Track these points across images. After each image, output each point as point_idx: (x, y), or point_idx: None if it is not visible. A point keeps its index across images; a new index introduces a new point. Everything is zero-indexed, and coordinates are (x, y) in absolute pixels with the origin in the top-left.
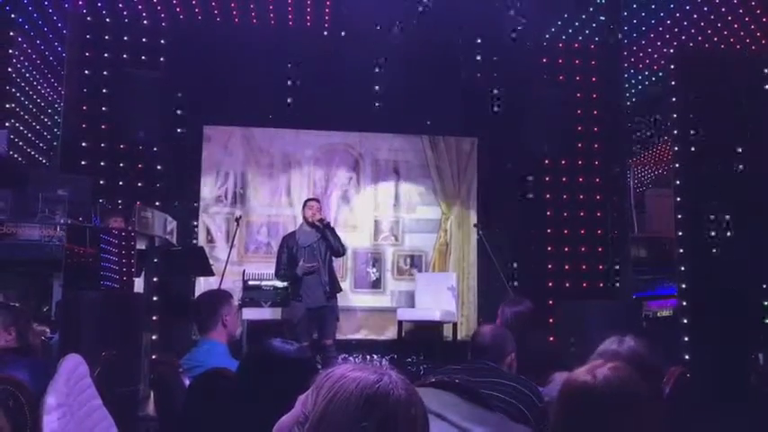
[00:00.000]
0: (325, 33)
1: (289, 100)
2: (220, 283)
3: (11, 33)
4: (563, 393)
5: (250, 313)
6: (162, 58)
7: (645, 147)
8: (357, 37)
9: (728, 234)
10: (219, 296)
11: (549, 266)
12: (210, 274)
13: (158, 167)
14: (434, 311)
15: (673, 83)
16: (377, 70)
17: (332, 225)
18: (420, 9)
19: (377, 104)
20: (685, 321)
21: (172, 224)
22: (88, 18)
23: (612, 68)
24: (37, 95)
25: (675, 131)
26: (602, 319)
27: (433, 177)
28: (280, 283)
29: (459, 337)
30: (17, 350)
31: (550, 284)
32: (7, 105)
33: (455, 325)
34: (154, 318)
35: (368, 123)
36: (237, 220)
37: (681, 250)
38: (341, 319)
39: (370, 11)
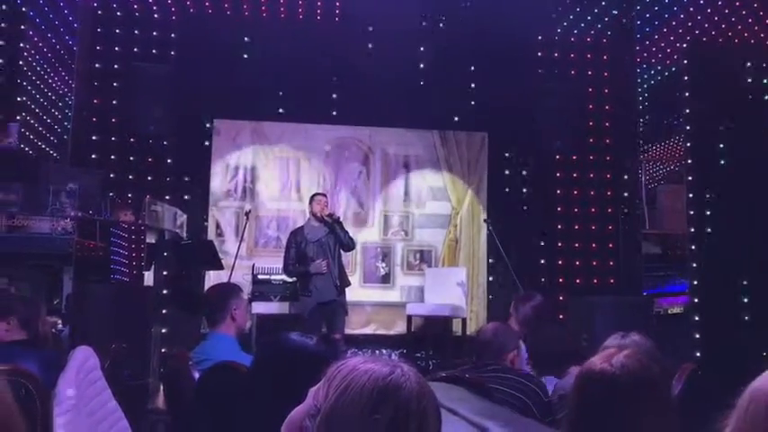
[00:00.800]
0: (335, 27)
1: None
2: (230, 277)
3: (22, 27)
4: (580, 382)
5: (259, 307)
6: (172, 52)
7: (656, 142)
8: (367, 31)
9: (741, 230)
10: (229, 290)
11: (560, 262)
12: (220, 267)
13: (168, 161)
14: (444, 307)
15: (686, 77)
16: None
17: (341, 219)
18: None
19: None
20: (697, 318)
21: (182, 218)
22: (99, 12)
23: (625, 63)
24: (48, 89)
25: (688, 127)
26: (613, 315)
27: (444, 172)
28: (290, 278)
29: (468, 333)
30: (27, 342)
31: (561, 280)
32: (18, 99)
33: (464, 320)
34: (164, 311)
35: (378, 117)
36: (247, 214)
37: (693, 247)
38: (350, 314)
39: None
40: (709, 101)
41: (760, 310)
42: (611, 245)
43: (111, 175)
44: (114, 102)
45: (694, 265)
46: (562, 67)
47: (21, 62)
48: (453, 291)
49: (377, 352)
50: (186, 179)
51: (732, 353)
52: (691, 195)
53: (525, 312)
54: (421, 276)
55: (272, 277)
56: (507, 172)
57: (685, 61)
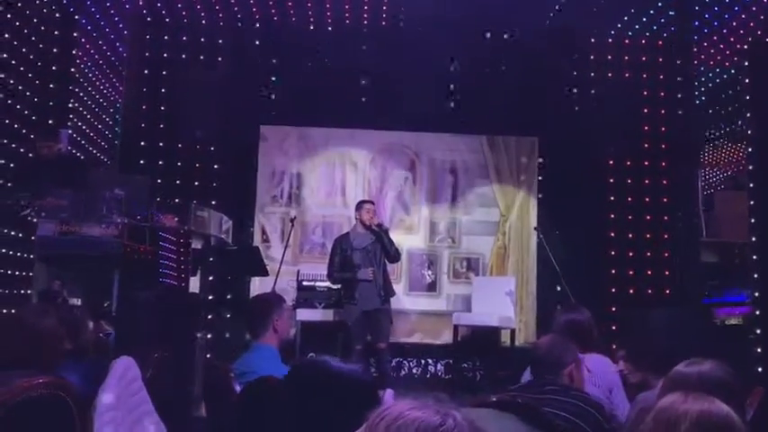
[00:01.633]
0: (382, 31)
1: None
2: (274, 284)
3: (74, 34)
4: (661, 422)
5: (304, 314)
6: (219, 58)
7: (715, 147)
8: (414, 35)
9: None
10: (271, 301)
11: (612, 272)
12: (265, 274)
13: (215, 167)
14: (492, 316)
15: (747, 80)
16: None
17: (387, 228)
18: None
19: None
20: (758, 332)
21: (227, 223)
22: (148, 18)
23: (682, 65)
24: (99, 95)
25: (750, 131)
26: (670, 326)
27: (492, 178)
28: (334, 285)
29: (516, 344)
30: (69, 353)
31: (613, 290)
32: (70, 105)
33: (513, 331)
34: (209, 317)
35: (425, 123)
36: (292, 220)
37: (755, 257)
38: (395, 323)
39: (427, 8)
40: None
41: None
42: (666, 254)
43: (159, 181)
44: (162, 108)
45: (756, 275)
46: (616, 70)
47: (72, 69)
48: (501, 300)
49: (422, 362)
50: (232, 185)
51: None
52: (752, 203)
53: (559, 325)
54: (468, 285)
55: (317, 284)
56: (558, 177)
57: (746, 63)
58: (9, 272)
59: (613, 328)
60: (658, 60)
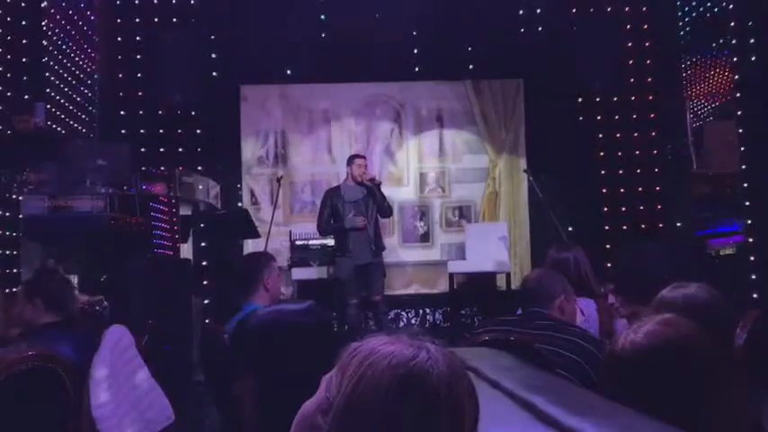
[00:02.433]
0: None
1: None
2: (266, 245)
3: (42, 5)
4: (607, 354)
5: (299, 273)
6: (193, 20)
7: (702, 78)
8: None
9: None
10: (259, 259)
11: (605, 209)
12: (257, 236)
13: (198, 131)
14: (486, 262)
15: (731, 6)
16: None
17: (380, 182)
18: None
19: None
20: (752, 259)
21: (215, 188)
22: None
23: None
24: (74, 66)
25: (735, 58)
26: (664, 260)
27: (479, 124)
28: (328, 242)
29: (513, 287)
30: (60, 324)
31: (606, 228)
32: (44, 77)
33: (508, 275)
34: (204, 282)
35: (407, 72)
36: (279, 179)
37: (745, 184)
38: (391, 275)
39: None
40: (758, 29)
41: None
42: (657, 188)
43: (142, 150)
44: (139, 75)
45: (747, 203)
46: (597, 5)
47: (44, 41)
48: (495, 246)
49: (420, 312)
50: (217, 149)
51: None
52: (741, 131)
53: (547, 264)
54: (461, 233)
55: (310, 242)
56: (545, 119)
57: None
58: None
59: (608, 265)
60: None
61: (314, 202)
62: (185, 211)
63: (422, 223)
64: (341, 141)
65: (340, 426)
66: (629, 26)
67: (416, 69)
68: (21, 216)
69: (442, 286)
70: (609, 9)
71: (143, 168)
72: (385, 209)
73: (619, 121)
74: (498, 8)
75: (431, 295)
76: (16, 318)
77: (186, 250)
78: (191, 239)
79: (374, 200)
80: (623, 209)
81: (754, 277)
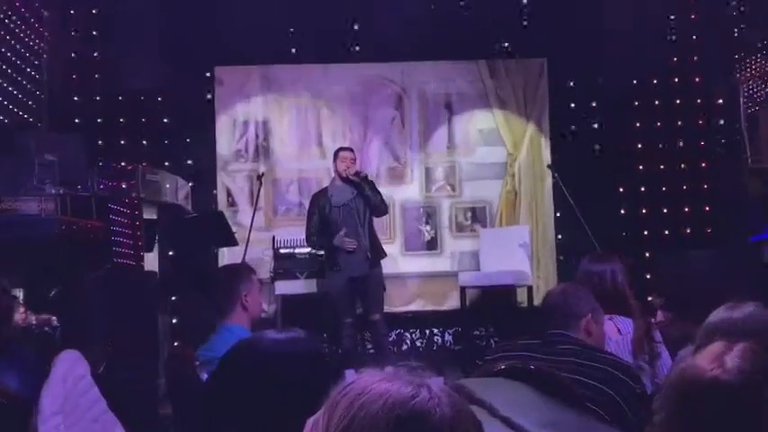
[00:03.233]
0: None
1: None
2: (244, 254)
3: None
4: (682, 393)
5: (284, 287)
6: None
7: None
8: None
9: None
10: (237, 272)
11: (644, 211)
12: (234, 243)
13: (165, 120)
14: (504, 274)
15: None
16: None
17: (370, 178)
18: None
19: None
20: None
21: (185, 188)
22: None
23: None
24: (21, 45)
25: None
26: (713, 269)
27: (495, 111)
28: (317, 250)
29: (535, 303)
30: None
31: (646, 233)
32: None
33: (530, 289)
34: (173, 299)
35: (410, 50)
36: (260, 177)
37: None
38: (391, 289)
39: None
40: None
41: None
42: (705, 186)
43: (99, 142)
44: (96, 54)
45: None
46: None
47: None
48: (515, 254)
49: (426, 332)
50: (188, 141)
51: None
52: None
53: (579, 278)
54: (474, 239)
55: (297, 251)
56: (573, 105)
57: None
58: None
59: (648, 277)
60: None
61: (301, 203)
62: (150, 214)
63: (428, 227)
64: (332, 132)
65: None
66: None
67: (422, 48)
68: None
69: (452, 302)
70: None
71: (100, 164)
72: (378, 205)
73: (659, 108)
74: None
75: (439, 313)
76: None
77: (151, 260)
78: (156, 248)
79: (365, 199)
80: (665, 211)
81: None
